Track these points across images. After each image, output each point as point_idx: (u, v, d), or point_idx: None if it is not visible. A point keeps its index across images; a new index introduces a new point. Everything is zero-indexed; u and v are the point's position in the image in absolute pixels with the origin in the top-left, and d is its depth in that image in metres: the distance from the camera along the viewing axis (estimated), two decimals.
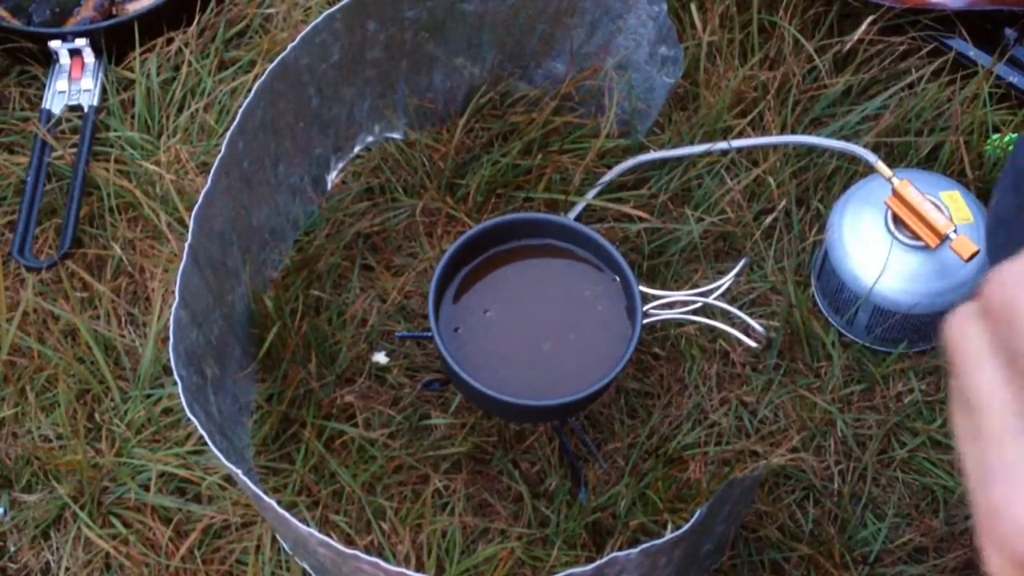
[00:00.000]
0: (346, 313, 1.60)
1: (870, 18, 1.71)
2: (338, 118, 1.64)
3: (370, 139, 1.71)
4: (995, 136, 1.67)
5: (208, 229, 1.38)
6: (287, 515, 1.18)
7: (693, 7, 1.74)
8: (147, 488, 1.47)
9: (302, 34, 1.46)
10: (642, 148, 1.70)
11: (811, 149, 1.68)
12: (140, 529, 1.46)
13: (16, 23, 1.82)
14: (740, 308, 1.55)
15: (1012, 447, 0.53)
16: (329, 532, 1.45)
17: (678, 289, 1.61)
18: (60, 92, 1.77)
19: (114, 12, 1.84)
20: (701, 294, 1.48)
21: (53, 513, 1.48)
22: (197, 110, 1.74)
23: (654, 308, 1.45)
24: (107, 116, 1.76)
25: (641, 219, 1.63)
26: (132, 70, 1.77)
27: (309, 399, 1.51)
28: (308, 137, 1.60)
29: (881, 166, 1.54)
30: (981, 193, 1.63)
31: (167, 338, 1.29)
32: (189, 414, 1.23)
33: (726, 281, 1.48)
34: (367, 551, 1.38)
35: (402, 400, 1.55)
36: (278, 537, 1.44)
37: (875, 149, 1.65)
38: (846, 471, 1.52)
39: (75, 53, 1.78)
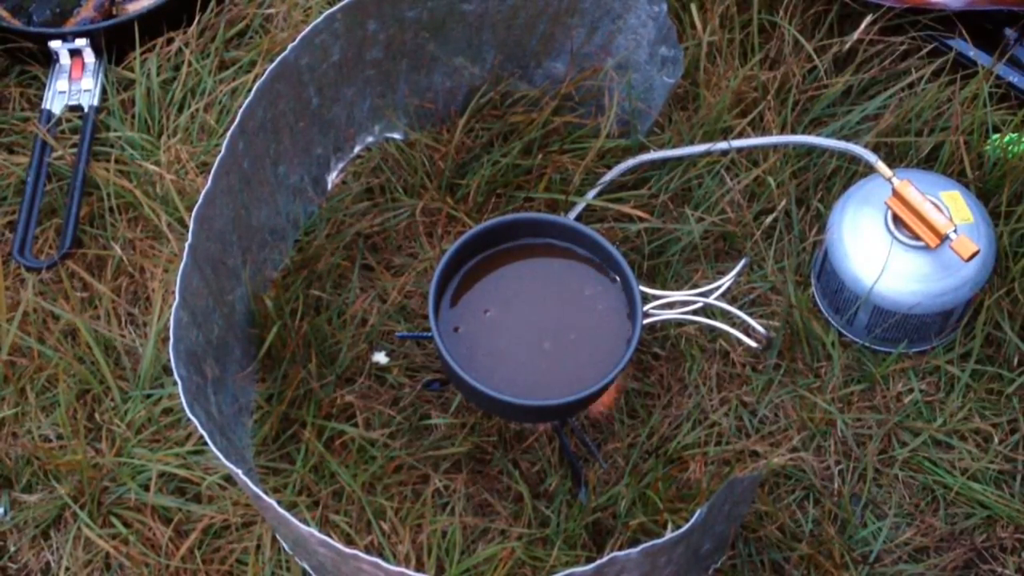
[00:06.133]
0: (346, 313, 1.60)
1: (870, 18, 1.71)
2: (338, 118, 1.64)
3: (370, 139, 1.71)
4: (995, 136, 1.67)
5: (208, 229, 1.38)
6: (287, 515, 1.18)
7: (693, 7, 1.74)
8: (147, 488, 1.47)
9: (302, 34, 1.46)
10: (642, 148, 1.70)
11: (811, 149, 1.68)
12: (140, 529, 1.46)
13: (16, 23, 1.82)
14: (740, 308, 1.55)
15: None
16: (329, 532, 1.45)
17: (678, 289, 1.61)
18: (60, 92, 1.77)
19: (114, 12, 1.84)
20: (701, 294, 1.48)
21: (53, 513, 1.48)
22: (197, 110, 1.74)
23: (654, 308, 1.45)
24: (107, 116, 1.76)
25: (641, 219, 1.63)
26: (132, 70, 1.77)
27: (309, 399, 1.51)
28: (308, 137, 1.60)
29: (881, 166, 1.54)
30: (981, 193, 1.64)
31: (167, 338, 1.29)
32: (189, 414, 1.23)
33: (726, 281, 1.48)
34: (367, 551, 1.38)
35: (402, 400, 1.55)
36: (278, 537, 1.44)
37: (875, 149, 1.65)
38: (846, 471, 1.52)
39: (75, 53, 1.78)
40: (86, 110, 1.75)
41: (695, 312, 1.48)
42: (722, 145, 1.64)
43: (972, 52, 1.72)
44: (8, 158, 1.73)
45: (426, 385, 1.56)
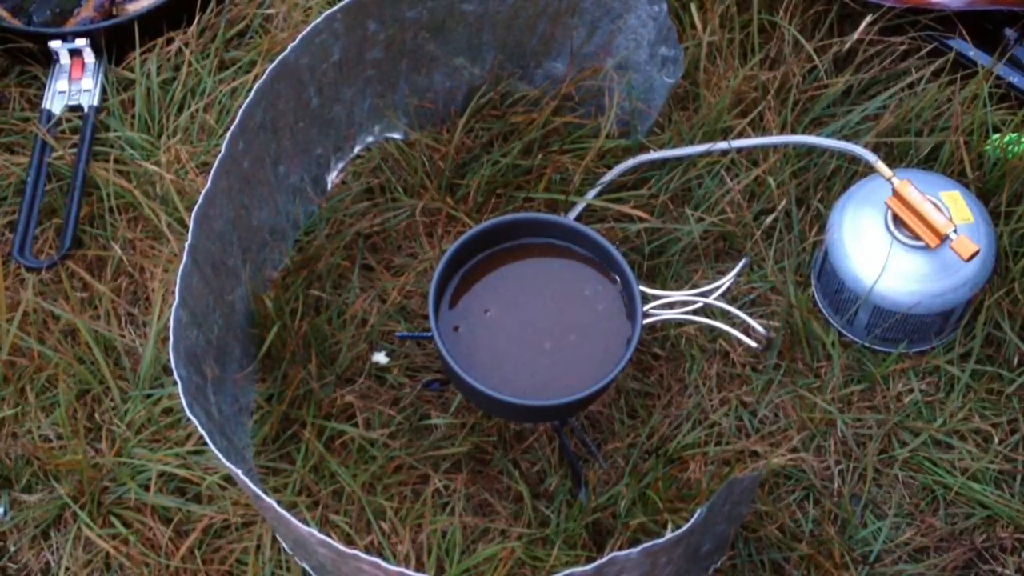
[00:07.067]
0: (346, 313, 1.60)
1: (870, 18, 1.71)
2: (338, 118, 1.64)
3: (370, 139, 1.71)
4: (995, 136, 1.67)
5: (208, 229, 1.38)
6: (287, 515, 1.18)
7: (693, 7, 1.74)
8: (147, 488, 1.47)
9: (302, 34, 1.46)
10: (642, 148, 1.70)
11: (811, 149, 1.68)
12: (140, 529, 1.46)
13: (16, 23, 1.82)
14: (740, 308, 1.55)
15: None
16: (329, 532, 1.45)
17: (678, 289, 1.61)
18: (60, 92, 1.77)
19: (114, 12, 1.84)
20: (701, 294, 1.48)
21: (53, 513, 1.48)
22: (197, 110, 1.74)
23: (654, 308, 1.45)
24: (107, 116, 1.76)
25: (641, 219, 1.63)
26: (132, 70, 1.77)
27: (309, 399, 1.51)
28: (308, 137, 1.60)
29: (881, 166, 1.54)
30: (981, 193, 1.64)
31: (167, 338, 1.29)
32: (189, 414, 1.23)
33: (726, 281, 1.48)
34: (367, 551, 1.38)
35: (402, 400, 1.55)
36: (278, 537, 1.44)
37: (875, 149, 1.65)
38: (846, 471, 1.52)
39: (75, 53, 1.78)
40: (86, 110, 1.75)
41: (695, 312, 1.48)
42: (722, 145, 1.64)
43: (972, 52, 1.72)
44: (8, 158, 1.73)
45: (426, 385, 1.56)
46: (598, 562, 1.14)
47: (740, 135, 1.69)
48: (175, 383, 1.27)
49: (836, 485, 1.51)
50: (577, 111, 1.71)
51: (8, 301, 1.59)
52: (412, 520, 1.46)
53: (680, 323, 1.57)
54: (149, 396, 1.54)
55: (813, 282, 1.64)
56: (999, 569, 1.47)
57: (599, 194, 1.66)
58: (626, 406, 1.55)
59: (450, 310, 1.44)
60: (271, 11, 1.84)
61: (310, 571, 1.42)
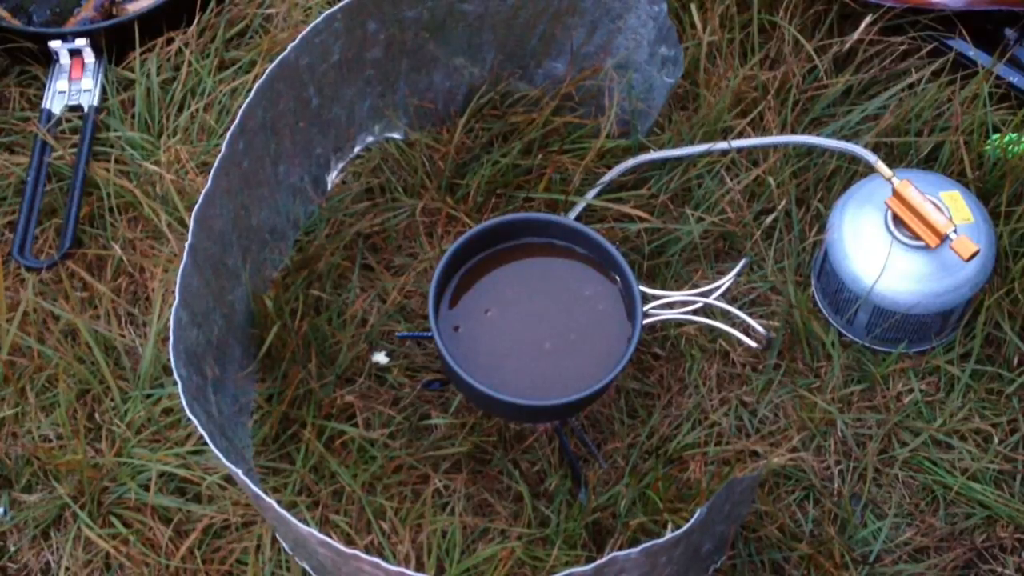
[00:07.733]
0: (346, 313, 1.60)
1: (870, 18, 1.71)
2: (338, 118, 1.64)
3: (370, 139, 1.71)
4: (995, 136, 1.67)
5: (208, 229, 1.38)
6: (287, 515, 1.18)
7: (693, 7, 1.75)
8: (147, 488, 1.47)
9: (302, 34, 1.46)
10: (642, 148, 1.70)
11: (811, 149, 1.68)
12: (140, 529, 1.46)
13: (16, 23, 1.82)
14: (740, 308, 1.55)
15: None
16: (329, 532, 1.45)
17: (678, 289, 1.61)
18: (60, 92, 1.77)
19: (114, 12, 1.84)
20: (701, 294, 1.48)
21: (53, 513, 1.48)
22: (197, 110, 1.74)
23: (654, 308, 1.45)
24: (107, 116, 1.76)
25: (641, 219, 1.63)
26: (132, 70, 1.77)
27: (309, 399, 1.51)
28: (308, 137, 1.60)
29: (881, 166, 1.54)
30: (981, 193, 1.64)
31: (167, 338, 1.29)
32: (189, 414, 1.23)
33: (726, 281, 1.48)
34: (367, 551, 1.38)
35: (402, 400, 1.55)
36: (278, 537, 1.44)
37: (875, 149, 1.65)
38: (846, 471, 1.52)
39: (75, 53, 1.78)
40: (86, 110, 1.75)
41: (695, 312, 1.48)
42: (722, 145, 1.64)
43: (972, 52, 1.72)
44: (8, 158, 1.73)
45: (426, 385, 1.56)
46: (598, 562, 1.14)
47: (740, 135, 1.69)
48: (175, 383, 1.27)
49: (836, 485, 1.51)
50: (577, 111, 1.71)
51: (8, 301, 1.59)
52: (412, 520, 1.46)
53: (680, 323, 1.57)
54: (149, 396, 1.54)
55: (813, 282, 1.64)
56: (999, 569, 1.47)
57: (599, 194, 1.66)
58: (626, 406, 1.55)
59: (450, 310, 1.44)
60: (271, 11, 1.84)
61: (310, 571, 1.42)
